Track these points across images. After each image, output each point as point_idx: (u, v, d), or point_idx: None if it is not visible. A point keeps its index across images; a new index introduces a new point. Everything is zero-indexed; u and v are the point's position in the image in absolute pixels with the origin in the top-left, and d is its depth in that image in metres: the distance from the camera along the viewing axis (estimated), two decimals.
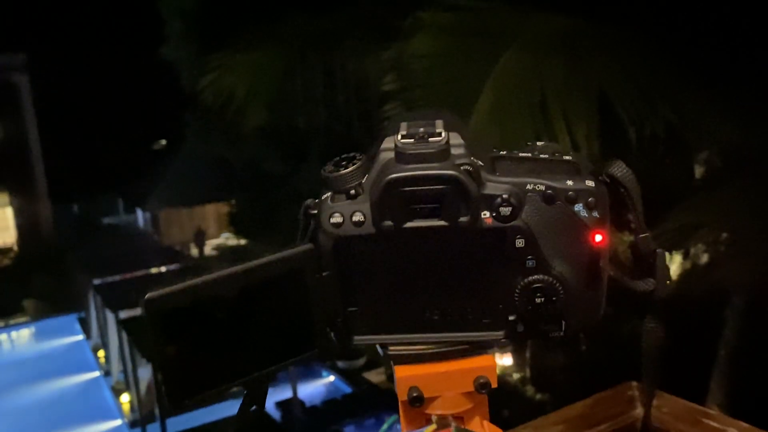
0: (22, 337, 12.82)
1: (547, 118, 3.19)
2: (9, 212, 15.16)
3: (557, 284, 0.41)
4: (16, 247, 14.84)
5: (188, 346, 0.38)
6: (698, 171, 4.45)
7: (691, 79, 3.26)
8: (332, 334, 0.43)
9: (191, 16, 5.98)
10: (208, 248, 13.56)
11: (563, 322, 0.42)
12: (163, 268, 10.80)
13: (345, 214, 0.41)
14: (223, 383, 0.40)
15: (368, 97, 3.32)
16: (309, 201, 0.43)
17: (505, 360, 11.59)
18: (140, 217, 15.36)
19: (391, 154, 0.40)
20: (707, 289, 3.51)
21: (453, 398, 0.43)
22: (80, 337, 11.02)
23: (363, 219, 0.41)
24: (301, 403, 10.58)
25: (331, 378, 12.28)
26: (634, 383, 1.64)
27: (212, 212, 14.13)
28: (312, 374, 12.07)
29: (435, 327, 0.43)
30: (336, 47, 3.88)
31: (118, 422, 8.37)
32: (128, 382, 8.13)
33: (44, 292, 12.22)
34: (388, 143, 0.40)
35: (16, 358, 12.03)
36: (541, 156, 0.42)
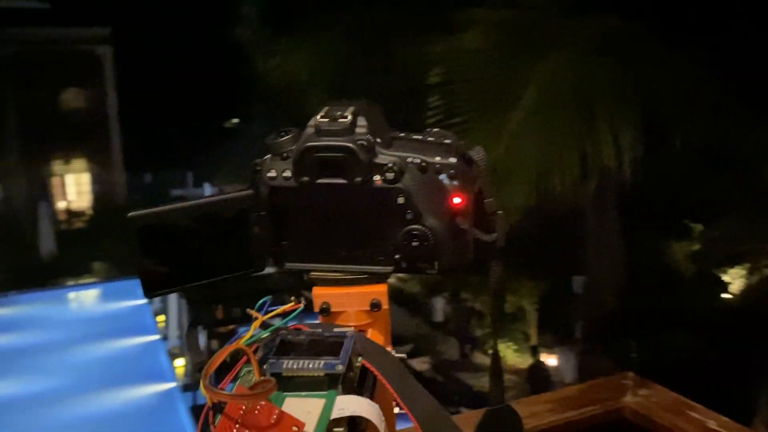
0: (90, 296, 13.56)
1: (592, 122, 3.25)
2: (86, 178, 16.04)
3: (428, 232, 0.54)
4: (90, 211, 15.67)
5: (158, 253, 0.54)
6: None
7: (751, 95, 3.22)
8: (270, 260, 0.59)
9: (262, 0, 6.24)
10: None
11: (436, 263, 0.57)
12: None
13: (278, 170, 0.56)
14: (183, 283, 0.56)
15: (413, 87, 3.47)
16: (257, 160, 0.58)
17: (550, 361, 11.55)
18: (207, 191, 15.91)
19: (312, 129, 0.55)
20: None
21: (355, 314, 0.59)
22: (143, 301, 11.55)
23: (290, 175, 0.55)
24: None
25: None
26: (631, 374, 1.74)
27: None
28: None
29: (344, 260, 0.58)
30: (393, 37, 4.03)
31: (172, 385, 8.78)
32: (183, 348, 8.53)
33: (113, 256, 12.83)
34: (312, 121, 0.56)
35: (83, 316, 12.77)
36: (428, 139, 0.57)
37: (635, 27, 3.35)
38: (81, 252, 13.09)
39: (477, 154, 0.55)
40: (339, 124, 0.54)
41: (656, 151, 3.38)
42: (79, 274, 13.34)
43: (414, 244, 0.55)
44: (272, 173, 0.57)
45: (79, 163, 16.42)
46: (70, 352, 9.83)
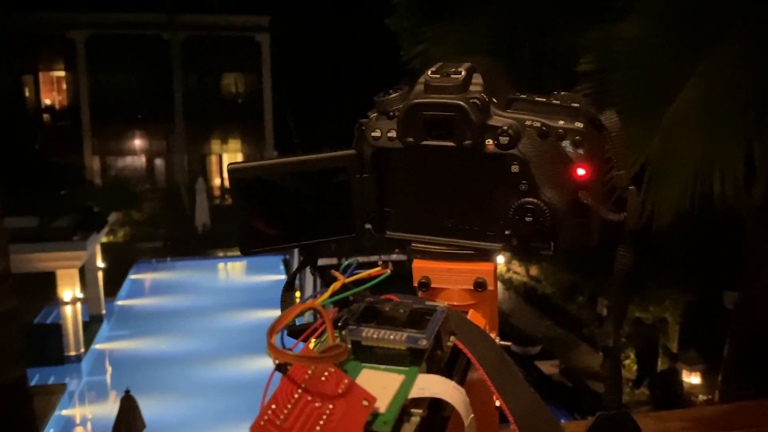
0: (236, 268, 14.48)
1: (764, 119, 2.91)
2: (240, 158, 17.08)
3: (544, 207, 0.47)
4: None
5: (257, 208, 0.52)
6: None
7: None
8: (370, 226, 0.55)
9: None
10: None
11: (552, 243, 0.50)
12: None
13: (383, 130, 0.51)
14: (280, 243, 0.53)
15: (563, 76, 3.30)
16: (363, 119, 0.54)
17: (692, 379, 10.81)
18: None
19: (422, 86, 0.49)
20: None
21: (457, 292, 0.53)
22: (282, 276, 12.16)
23: (395, 136, 0.51)
24: None
25: None
26: None
27: None
28: None
29: (449, 232, 0.53)
30: (545, 25, 3.86)
31: None
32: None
33: None
34: (422, 77, 0.51)
35: (228, 285, 13.69)
36: (553, 101, 0.50)
37: None
38: (231, 226, 13.94)
39: (608, 119, 0.48)
40: (451, 80, 0.48)
41: None
42: (228, 247, 14.22)
43: (528, 219, 0.48)
44: (377, 133, 0.52)
45: (235, 143, 17.49)
46: (214, 317, 10.57)
